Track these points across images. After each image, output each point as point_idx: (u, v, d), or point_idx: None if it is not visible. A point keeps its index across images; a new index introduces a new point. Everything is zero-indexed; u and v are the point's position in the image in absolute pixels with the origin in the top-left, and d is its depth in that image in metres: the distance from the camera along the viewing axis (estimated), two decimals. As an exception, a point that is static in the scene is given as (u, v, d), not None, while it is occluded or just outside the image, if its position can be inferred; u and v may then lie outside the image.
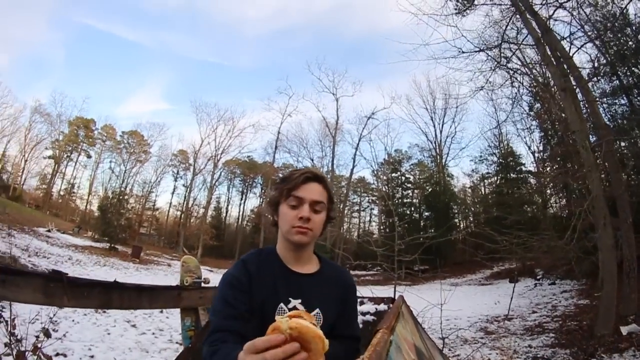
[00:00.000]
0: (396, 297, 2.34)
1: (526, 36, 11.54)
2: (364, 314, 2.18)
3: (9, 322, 2.00)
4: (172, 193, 56.70)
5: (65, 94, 64.70)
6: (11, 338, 1.97)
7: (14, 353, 1.92)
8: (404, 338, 1.50)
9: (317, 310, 1.28)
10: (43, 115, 50.81)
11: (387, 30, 58.40)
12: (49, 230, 26.54)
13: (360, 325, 2.05)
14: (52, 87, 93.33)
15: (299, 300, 1.25)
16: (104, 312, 7.36)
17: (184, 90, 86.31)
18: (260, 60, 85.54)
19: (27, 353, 1.94)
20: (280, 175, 1.52)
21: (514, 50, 12.82)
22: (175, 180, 56.43)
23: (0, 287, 1.84)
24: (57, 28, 76.68)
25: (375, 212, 56.28)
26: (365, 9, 70.57)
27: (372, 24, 74.76)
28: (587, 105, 11.33)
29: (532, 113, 22.65)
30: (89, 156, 56.28)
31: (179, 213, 56.00)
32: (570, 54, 10.39)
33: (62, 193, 54.93)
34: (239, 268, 1.26)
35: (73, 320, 6.50)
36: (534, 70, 18.10)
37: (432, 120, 43.29)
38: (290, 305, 1.23)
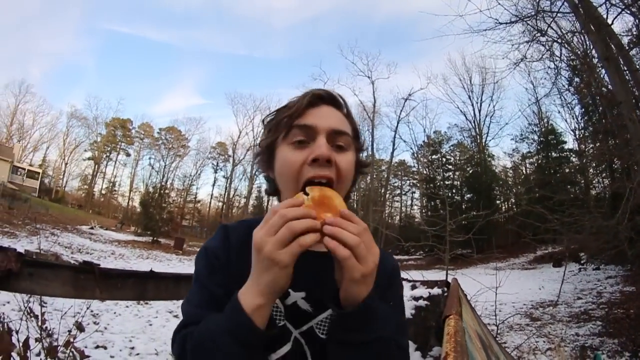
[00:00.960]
0: (450, 281, 2.13)
1: (562, 4, 10.94)
2: (416, 298, 1.99)
3: (39, 317, 1.95)
4: (213, 185, 59.00)
5: (99, 97, 67.79)
6: (42, 333, 1.92)
7: (46, 347, 1.86)
8: (469, 324, 1.30)
9: (330, 312, 0.81)
10: (80, 119, 53.47)
11: (417, 9, 56.92)
12: (92, 228, 27.66)
13: (412, 312, 1.87)
14: (86, 92, 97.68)
15: (303, 294, 0.82)
16: (146, 303, 7.49)
17: (218, 84, 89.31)
18: (291, 49, 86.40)
19: (59, 348, 1.88)
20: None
21: (549, 22, 12.21)
22: (215, 172, 58.32)
23: (28, 280, 1.76)
24: (85, 37, 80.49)
25: (417, 195, 55.85)
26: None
27: (401, 3, 73.16)
28: (629, 77, 10.64)
29: (571, 88, 21.50)
30: (128, 154, 58.71)
31: (220, 204, 57.80)
32: (609, 22, 9.76)
33: (103, 192, 57.48)
34: (217, 238, 0.88)
35: (114, 313, 6.66)
36: (571, 43, 17.10)
37: (470, 99, 42.49)
38: (288, 302, 0.81)
